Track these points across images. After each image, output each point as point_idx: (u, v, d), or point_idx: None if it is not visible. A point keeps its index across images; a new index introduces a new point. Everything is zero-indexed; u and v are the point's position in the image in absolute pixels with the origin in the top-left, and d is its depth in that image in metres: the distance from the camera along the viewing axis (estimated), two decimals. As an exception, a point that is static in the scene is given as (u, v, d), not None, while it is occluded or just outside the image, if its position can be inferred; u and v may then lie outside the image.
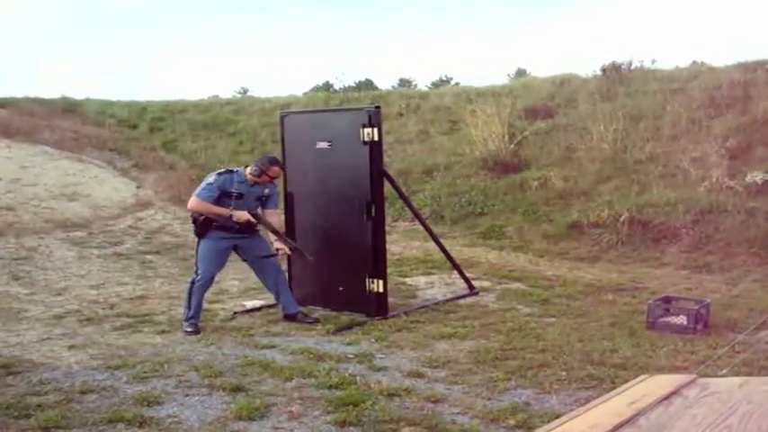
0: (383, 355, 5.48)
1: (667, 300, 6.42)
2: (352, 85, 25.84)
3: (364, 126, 6.52)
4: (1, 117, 15.50)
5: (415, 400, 4.49)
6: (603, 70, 15.33)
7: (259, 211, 6.42)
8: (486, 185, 12.17)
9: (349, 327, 6.35)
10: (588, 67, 21.92)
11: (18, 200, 11.66)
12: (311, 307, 6.96)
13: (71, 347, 5.78)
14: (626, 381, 2.09)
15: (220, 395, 4.62)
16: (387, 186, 6.87)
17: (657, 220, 9.60)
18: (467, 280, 7.61)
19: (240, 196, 6.29)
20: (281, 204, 7.04)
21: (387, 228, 7.31)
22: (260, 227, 6.48)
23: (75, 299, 7.63)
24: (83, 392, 4.66)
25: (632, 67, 15.31)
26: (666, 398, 1.75)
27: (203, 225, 6.30)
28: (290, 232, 6.91)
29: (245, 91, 34.96)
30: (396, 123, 15.51)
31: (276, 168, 6.35)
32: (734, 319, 6.21)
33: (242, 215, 6.21)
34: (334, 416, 4.22)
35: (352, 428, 4.11)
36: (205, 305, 6.76)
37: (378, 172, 6.63)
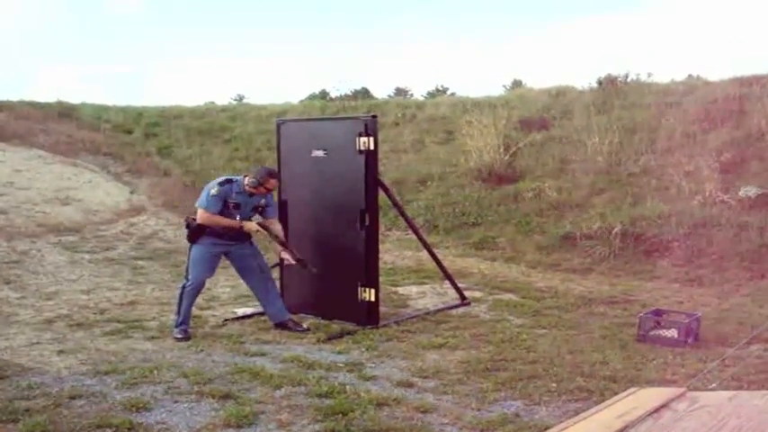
0: (373, 365, 5.47)
1: (658, 313, 6.43)
2: (349, 93, 25.90)
3: (360, 135, 6.52)
4: (-5, 120, 15.47)
5: (405, 409, 4.47)
6: (599, 82, 15.40)
7: (257, 219, 6.44)
8: (480, 196, 12.18)
9: (340, 335, 6.33)
10: (584, 80, 21.99)
11: (11, 203, 11.62)
12: (302, 315, 6.94)
13: (60, 352, 5.75)
14: (616, 393, 2.09)
15: (209, 402, 4.60)
16: (380, 195, 6.88)
17: (650, 233, 9.61)
18: (458, 290, 7.61)
19: (237, 206, 6.32)
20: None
21: (380, 237, 7.31)
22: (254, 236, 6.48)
23: (65, 303, 7.60)
24: (71, 398, 4.63)
25: (628, 79, 15.39)
26: (656, 411, 1.75)
27: (196, 231, 6.30)
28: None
29: (241, 98, 35.11)
30: (391, 132, 15.53)
31: (274, 181, 6.37)
32: (724, 332, 6.22)
33: (252, 226, 6.31)
34: (323, 424, 4.21)
35: (341, 437, 4.09)
36: (196, 312, 6.75)
37: (373, 181, 6.63)
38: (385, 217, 10.98)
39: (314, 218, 7.01)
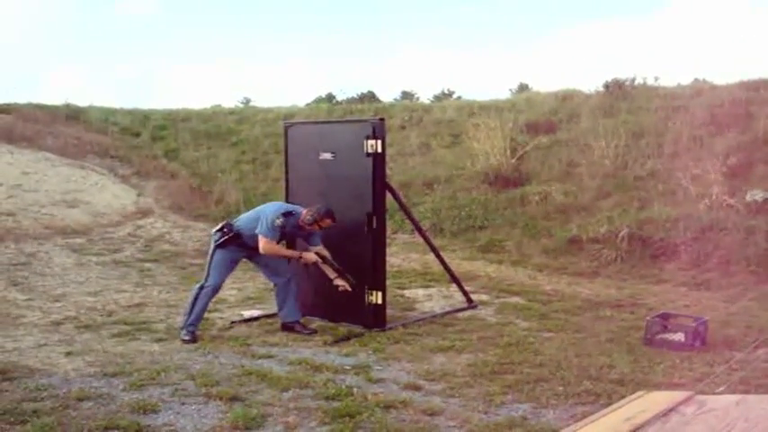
0: (380, 367, 5.47)
1: (665, 316, 6.41)
2: (355, 97, 25.93)
3: (368, 138, 6.54)
4: (4, 123, 15.54)
5: (412, 412, 4.47)
6: (606, 86, 15.36)
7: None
8: (486, 199, 12.18)
9: (347, 338, 6.34)
10: (591, 83, 21.92)
11: (18, 205, 11.68)
12: (309, 317, 6.95)
13: (68, 354, 5.77)
14: (623, 397, 2.09)
15: (217, 404, 4.61)
16: (387, 198, 6.88)
17: (657, 237, 9.60)
18: (465, 293, 7.61)
19: (285, 234, 6.55)
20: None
21: (387, 240, 7.31)
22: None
23: (73, 305, 7.63)
24: (79, 399, 4.64)
25: (635, 83, 15.36)
26: (664, 414, 1.75)
27: (230, 239, 6.39)
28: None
29: (248, 101, 35.10)
30: (398, 136, 15.54)
31: (329, 221, 6.45)
32: (732, 336, 6.20)
33: (311, 257, 6.51)
34: (331, 427, 4.22)
35: (348, 440, 4.10)
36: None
37: (380, 184, 6.65)
38: (392, 220, 10.99)
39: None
